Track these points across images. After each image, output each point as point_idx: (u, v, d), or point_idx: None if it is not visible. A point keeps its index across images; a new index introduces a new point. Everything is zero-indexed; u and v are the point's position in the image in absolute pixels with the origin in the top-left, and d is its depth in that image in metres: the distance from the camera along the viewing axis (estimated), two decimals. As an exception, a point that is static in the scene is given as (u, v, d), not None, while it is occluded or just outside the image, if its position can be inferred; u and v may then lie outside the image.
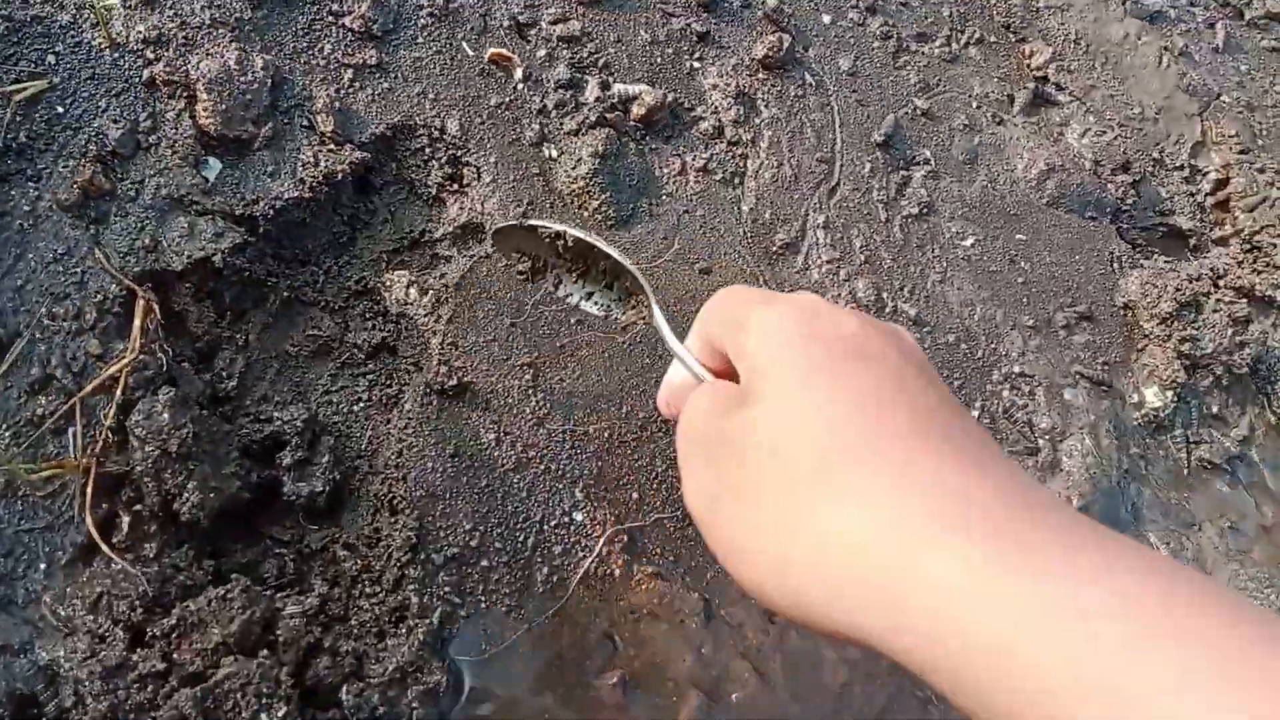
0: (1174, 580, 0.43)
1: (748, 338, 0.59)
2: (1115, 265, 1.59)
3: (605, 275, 0.97)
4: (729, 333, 0.62)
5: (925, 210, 1.49)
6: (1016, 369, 1.42)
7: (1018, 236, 1.54)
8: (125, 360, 1.01)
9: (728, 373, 0.67)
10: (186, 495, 0.98)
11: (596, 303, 0.96)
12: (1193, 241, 1.72)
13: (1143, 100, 1.80)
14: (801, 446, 0.52)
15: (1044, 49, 1.76)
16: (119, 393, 1.02)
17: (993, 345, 1.43)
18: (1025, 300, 1.49)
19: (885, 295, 1.39)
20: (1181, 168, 1.76)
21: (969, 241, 1.50)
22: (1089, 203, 1.63)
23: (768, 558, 0.53)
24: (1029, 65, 1.76)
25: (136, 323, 1.04)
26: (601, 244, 0.93)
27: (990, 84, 1.69)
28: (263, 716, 0.91)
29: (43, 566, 0.98)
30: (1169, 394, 1.47)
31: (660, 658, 1.11)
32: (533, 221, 0.96)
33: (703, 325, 0.68)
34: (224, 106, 1.14)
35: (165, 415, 0.99)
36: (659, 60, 1.45)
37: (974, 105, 1.64)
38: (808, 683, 1.14)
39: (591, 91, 1.37)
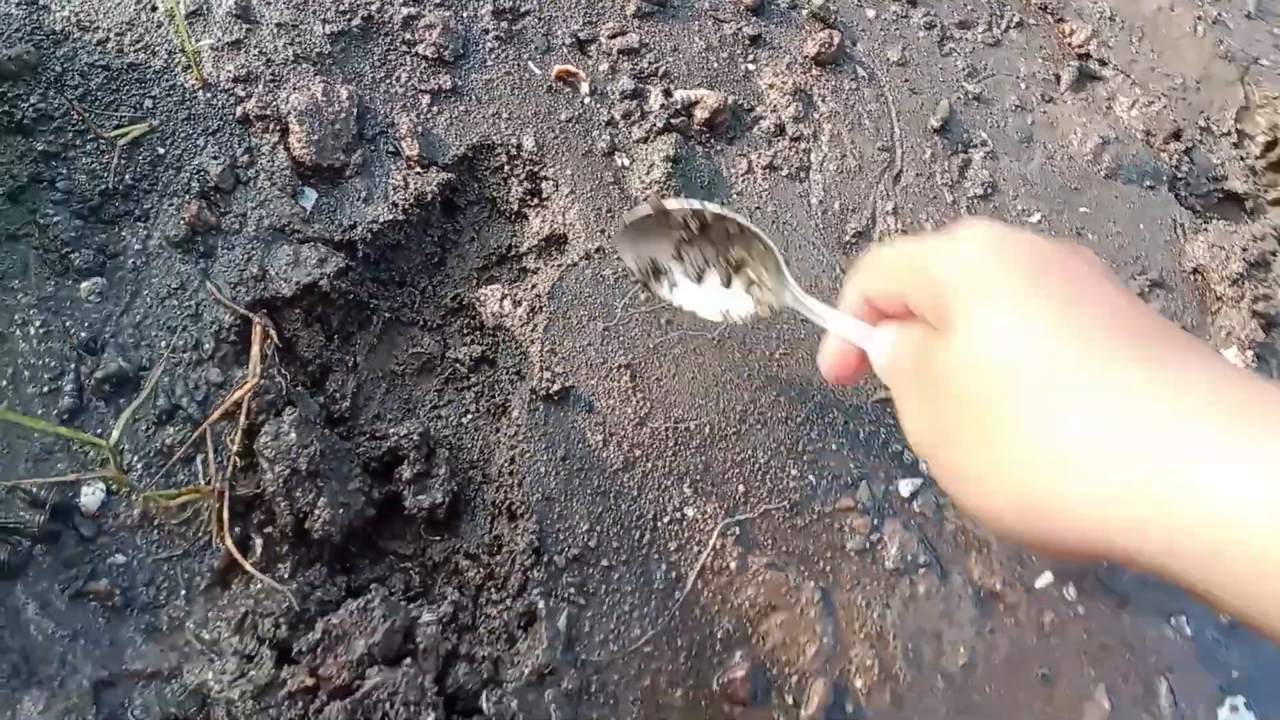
0: None
1: (931, 273, 0.59)
2: (1179, 231, 1.60)
3: (728, 264, 1.00)
4: (903, 278, 0.63)
5: (989, 190, 1.51)
6: (1096, 338, 1.43)
7: (1081, 210, 1.56)
8: (248, 386, 1.04)
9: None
10: (318, 512, 1.01)
11: (716, 284, 1.02)
12: (1249, 205, 1.73)
13: (1183, 70, 1.82)
14: (1019, 363, 0.52)
15: (1083, 27, 1.79)
16: (243, 418, 1.04)
17: (1070, 317, 1.44)
18: (1096, 271, 1.50)
19: (961, 276, 1.41)
20: (1229, 133, 1.78)
21: (1035, 218, 1.51)
22: (1145, 172, 1.65)
23: (1005, 485, 0.52)
24: (1070, 43, 1.78)
25: (255, 349, 1.07)
26: (738, 217, 0.98)
27: (1035, 64, 1.71)
28: (414, 722, 0.92)
29: (183, 593, 1.00)
30: (1248, 354, 1.48)
31: (785, 648, 1.12)
32: (669, 203, 0.99)
33: (859, 285, 0.69)
34: (316, 137, 1.17)
35: (292, 435, 1.01)
36: (715, 65, 1.48)
37: (1022, 86, 1.67)
38: (929, 665, 1.15)
39: (655, 99, 1.40)
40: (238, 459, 1.03)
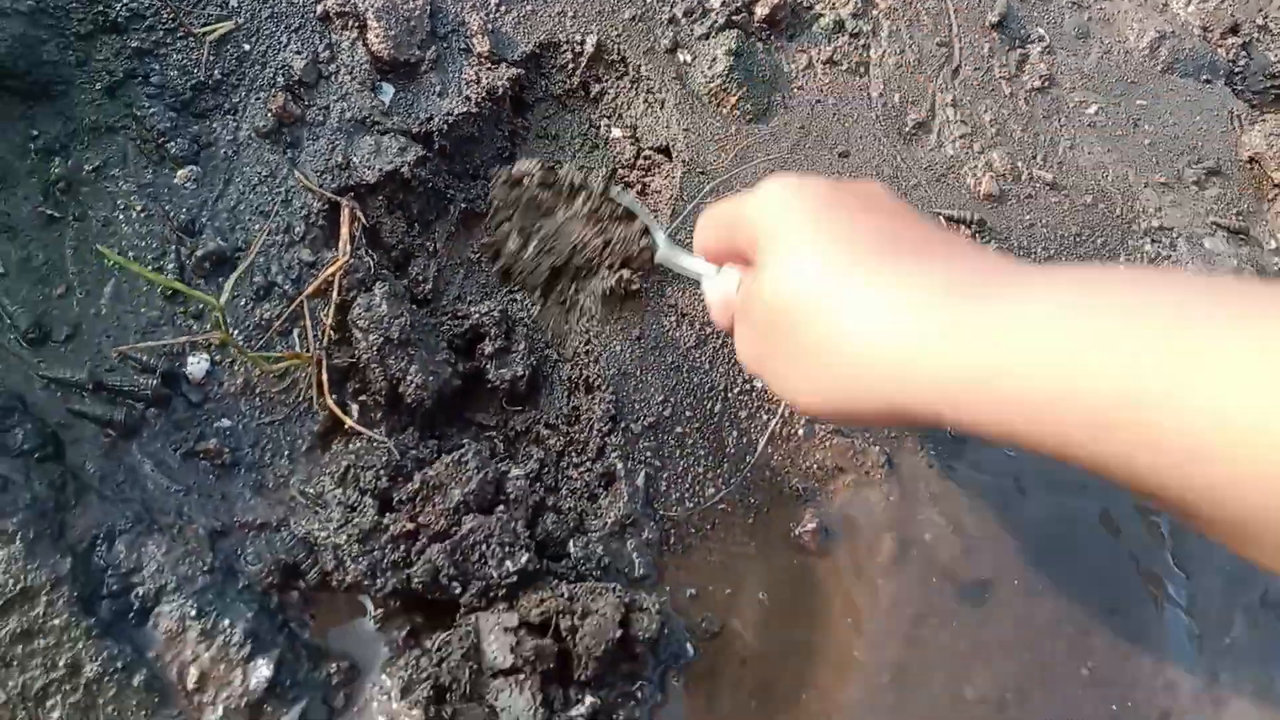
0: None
1: (744, 220, 0.72)
2: (1235, 123, 1.61)
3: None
4: (730, 232, 0.76)
5: (1047, 83, 1.53)
6: (1155, 223, 1.45)
7: (1138, 102, 1.57)
8: (339, 263, 1.10)
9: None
10: (410, 378, 1.06)
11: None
12: (1307, 100, 1.73)
13: (1241, -32, 1.82)
14: (802, 287, 0.65)
15: (1139, -75, 1.79)
16: (335, 294, 1.10)
17: (1129, 203, 1.46)
18: (1154, 160, 1.52)
19: (1020, 164, 1.44)
20: (1287, 31, 1.77)
21: (1092, 109, 1.53)
22: (1202, 66, 1.65)
23: (810, 388, 0.65)
24: (1126, -58, 1.78)
25: (344, 230, 1.12)
26: (619, 194, 1.12)
27: (1092, -39, 1.72)
28: (507, 564, 0.98)
29: (286, 453, 1.06)
30: (1307, 237, 1.49)
31: (852, 507, 1.16)
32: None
33: (699, 241, 0.85)
34: (393, 33, 1.22)
35: (383, 306, 1.06)
36: (773, -35, 1.50)
37: (1078, -17, 1.68)
38: (993, 520, 1.19)
39: (715, -2, 1.43)
40: (331, 331, 1.09)
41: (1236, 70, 1.69)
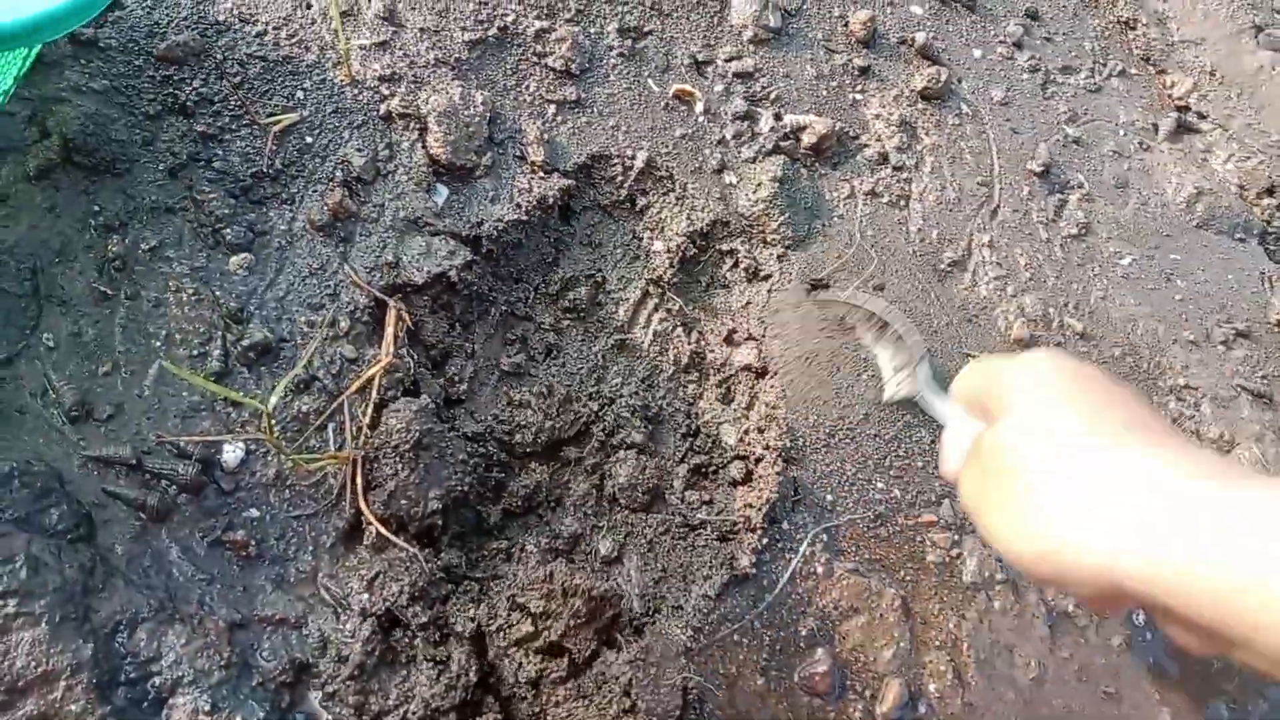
0: None
1: (1002, 377, 0.76)
2: (1266, 283, 1.63)
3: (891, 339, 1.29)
4: (987, 378, 0.79)
5: (1083, 231, 1.55)
6: (1181, 381, 1.47)
7: (1172, 256, 1.59)
8: (381, 363, 1.12)
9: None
10: (429, 491, 1.08)
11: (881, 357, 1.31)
12: (1338, 264, 1.75)
13: (1280, 128, 1.85)
14: (1036, 442, 0.68)
15: (1184, 79, 1.83)
16: (374, 394, 1.12)
17: (1156, 359, 1.48)
18: (1184, 316, 1.54)
19: (1051, 310, 1.46)
20: (1323, 192, 1.80)
21: (1126, 260, 1.55)
22: (1237, 224, 1.68)
23: (1025, 539, 0.66)
24: (1170, 95, 1.82)
25: (389, 330, 1.14)
26: (891, 316, 1.28)
27: (1135, 113, 1.75)
28: None
29: (310, 549, 1.07)
30: (1329, 407, 1.50)
31: (864, 648, 1.17)
32: (844, 297, 1.30)
33: (956, 388, 0.87)
34: (452, 137, 1.25)
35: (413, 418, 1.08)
36: (824, 93, 1.54)
37: (1121, 133, 1.71)
38: (1001, 678, 1.19)
39: (766, 122, 1.47)
40: (367, 430, 1.10)
41: (1270, 231, 1.71)
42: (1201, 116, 1.81)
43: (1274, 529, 0.52)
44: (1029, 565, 0.66)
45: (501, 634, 1.04)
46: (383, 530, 1.05)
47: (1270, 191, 1.74)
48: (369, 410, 1.11)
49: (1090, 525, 0.61)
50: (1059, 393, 0.70)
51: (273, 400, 0.96)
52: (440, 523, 1.10)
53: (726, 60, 1.50)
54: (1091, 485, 0.62)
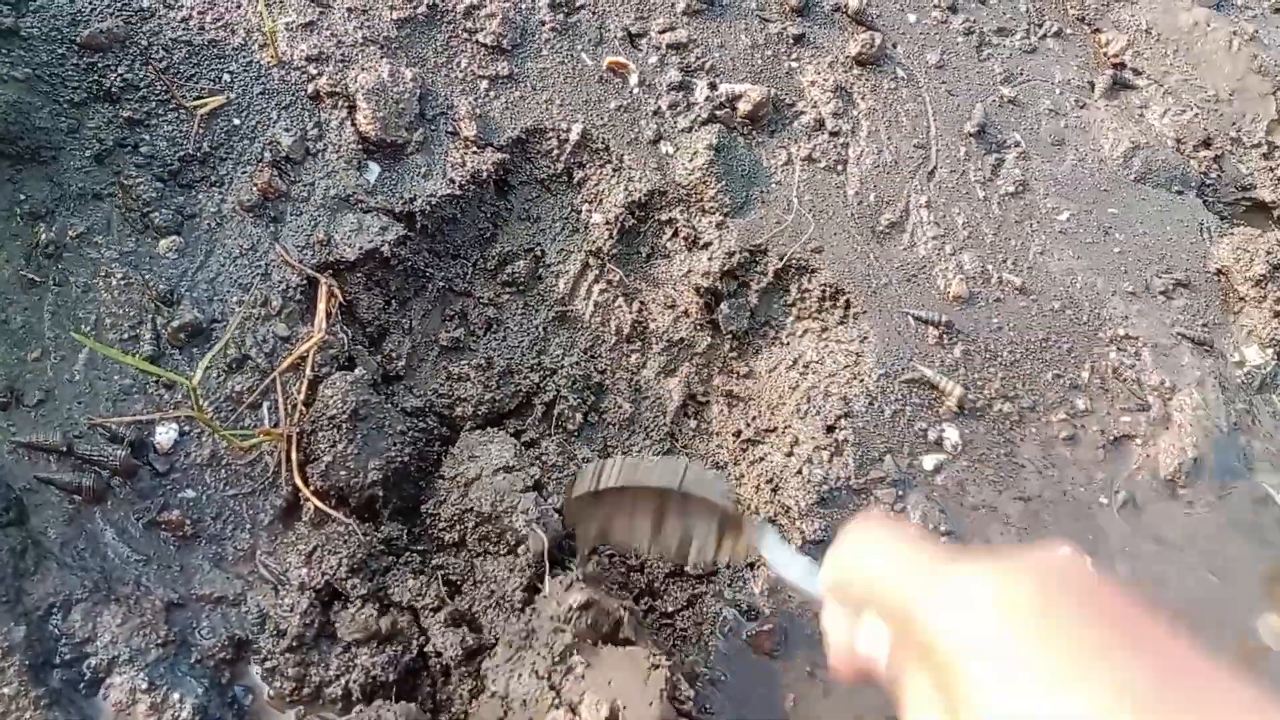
0: None
1: (928, 631, 0.54)
2: (1205, 234, 1.65)
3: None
4: (893, 617, 0.58)
5: (1020, 189, 1.56)
6: (1121, 332, 1.48)
7: (1110, 210, 1.61)
8: (313, 340, 1.11)
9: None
10: (365, 463, 1.08)
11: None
12: (1276, 213, 1.77)
13: (1217, 83, 1.86)
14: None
15: (1119, 38, 1.84)
16: (308, 370, 1.11)
17: (1096, 310, 1.49)
18: (1123, 269, 1.55)
19: (990, 268, 1.47)
20: (1259, 145, 1.82)
21: (1064, 216, 1.57)
22: (1174, 177, 1.69)
23: None
24: (1105, 53, 1.84)
25: (321, 306, 1.14)
26: (700, 484, 0.90)
27: (1070, 72, 1.77)
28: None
29: (248, 528, 1.07)
30: (1269, 352, 1.52)
31: (808, 603, 1.17)
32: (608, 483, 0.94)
33: (841, 576, 0.65)
34: (382, 114, 1.25)
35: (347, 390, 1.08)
36: (759, 61, 1.54)
37: (1057, 92, 1.72)
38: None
39: (701, 92, 1.47)
40: (303, 407, 1.10)
41: (1208, 183, 1.73)
42: (1137, 73, 1.82)
43: None
44: None
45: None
46: (318, 504, 1.05)
47: (1206, 144, 1.76)
48: (304, 387, 1.11)
49: None
50: (1029, 666, 0.49)
51: (198, 375, 0.96)
52: (381, 495, 1.10)
53: (660, 32, 1.50)
54: None
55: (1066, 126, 1.68)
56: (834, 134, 1.52)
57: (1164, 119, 1.77)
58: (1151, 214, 1.64)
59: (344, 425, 1.06)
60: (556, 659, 0.93)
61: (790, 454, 1.28)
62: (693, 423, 1.36)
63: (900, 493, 1.25)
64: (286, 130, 1.23)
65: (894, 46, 1.64)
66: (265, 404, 1.12)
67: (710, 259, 1.37)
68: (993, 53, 1.73)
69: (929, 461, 1.29)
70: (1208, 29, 1.93)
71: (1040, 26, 1.81)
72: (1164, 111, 1.78)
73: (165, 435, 1.07)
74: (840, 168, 1.49)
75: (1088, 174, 1.64)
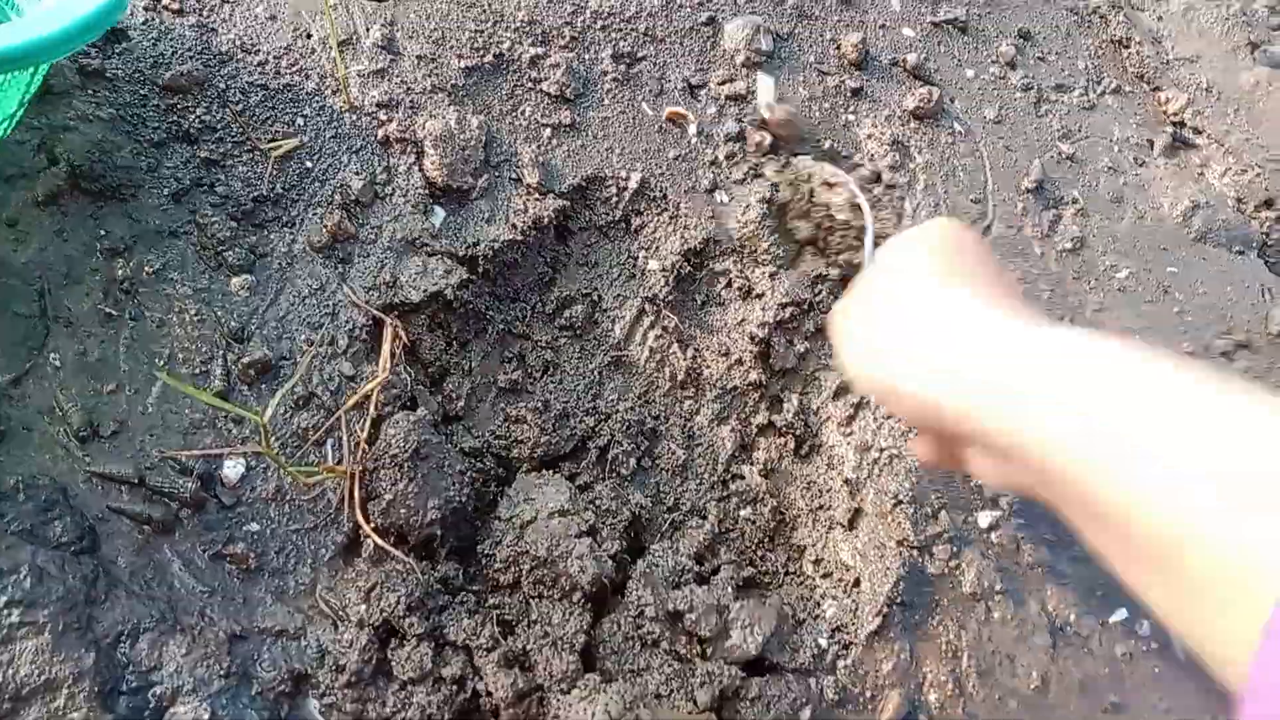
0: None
1: (910, 235, 0.84)
2: (1266, 295, 1.64)
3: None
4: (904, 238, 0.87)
5: (1078, 245, 1.56)
6: (1178, 391, 1.47)
7: (1169, 269, 1.60)
8: (378, 380, 1.14)
9: None
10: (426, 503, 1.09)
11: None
12: (1339, 275, 1.76)
13: (1278, 143, 1.86)
14: (891, 278, 0.79)
15: (1179, 96, 1.84)
16: (372, 409, 1.14)
17: (1153, 369, 1.48)
18: (1182, 328, 1.54)
19: (1046, 323, 1.47)
20: (1321, 206, 1.81)
21: (1123, 274, 1.56)
22: (1235, 237, 1.68)
23: (860, 361, 0.78)
24: (1165, 112, 1.84)
25: (386, 347, 1.17)
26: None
27: (1129, 129, 1.77)
28: None
29: (310, 562, 1.09)
30: (1331, 416, 1.50)
31: (863, 660, 1.17)
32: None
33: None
34: (449, 160, 1.28)
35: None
36: (817, 114, 1.56)
37: (1115, 149, 1.72)
38: (1003, 688, 1.19)
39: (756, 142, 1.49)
40: (365, 445, 1.12)
41: (1270, 243, 1.72)
42: (1197, 132, 1.82)
43: (1058, 353, 0.60)
44: (865, 392, 0.91)
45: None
46: (379, 541, 1.07)
47: (1269, 204, 1.75)
48: (367, 425, 1.13)
49: (910, 355, 0.70)
50: (930, 244, 0.79)
51: (268, 412, 0.99)
52: (439, 534, 1.12)
53: (719, 83, 1.53)
54: (917, 317, 0.72)
55: (1125, 184, 1.68)
56: (890, 187, 1.53)
57: (1224, 178, 1.77)
58: (1212, 274, 1.63)
59: (406, 464, 1.08)
60: None
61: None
62: (744, 469, 1.36)
63: (955, 549, 1.25)
64: (357, 174, 1.26)
65: (951, 101, 1.66)
66: (329, 441, 1.14)
67: (764, 309, 1.37)
68: (1051, 109, 1.74)
69: (984, 519, 1.28)
70: (1269, 88, 1.92)
71: (1099, 84, 1.82)
72: (1224, 171, 1.77)
73: (233, 469, 1.09)
74: (896, 220, 1.50)
75: (1147, 232, 1.63)
